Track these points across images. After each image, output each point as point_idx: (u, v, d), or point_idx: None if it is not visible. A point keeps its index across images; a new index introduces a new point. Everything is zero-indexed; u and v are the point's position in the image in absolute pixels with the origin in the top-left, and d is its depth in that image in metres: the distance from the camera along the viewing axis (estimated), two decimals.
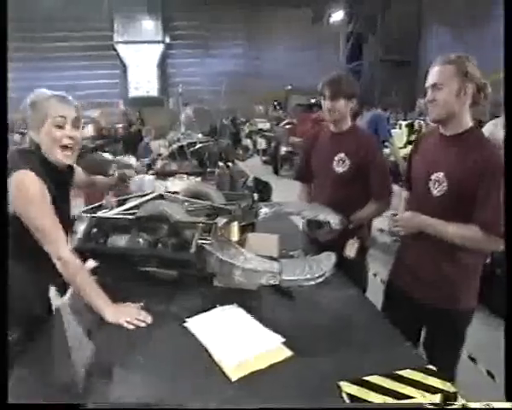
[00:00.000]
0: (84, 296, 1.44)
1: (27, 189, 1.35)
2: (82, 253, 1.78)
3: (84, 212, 1.91)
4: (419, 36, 15.62)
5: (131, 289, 1.64)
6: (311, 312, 1.53)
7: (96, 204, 2.05)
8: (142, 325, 1.39)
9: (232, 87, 15.54)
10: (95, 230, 1.79)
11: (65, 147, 1.46)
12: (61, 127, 1.44)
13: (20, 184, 1.35)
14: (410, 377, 1.13)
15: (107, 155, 1.61)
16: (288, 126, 9.74)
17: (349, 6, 15.93)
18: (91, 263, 1.93)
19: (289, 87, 15.40)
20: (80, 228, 1.81)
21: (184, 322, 1.40)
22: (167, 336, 1.36)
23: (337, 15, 16.21)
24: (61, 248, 1.39)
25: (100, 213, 1.83)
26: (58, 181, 1.50)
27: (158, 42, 16.13)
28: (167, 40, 16.18)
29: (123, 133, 11.55)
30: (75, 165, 1.74)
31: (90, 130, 10.36)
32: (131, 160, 1.61)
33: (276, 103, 14.93)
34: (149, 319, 1.41)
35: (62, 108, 1.45)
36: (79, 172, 1.85)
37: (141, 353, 1.27)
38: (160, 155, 5.08)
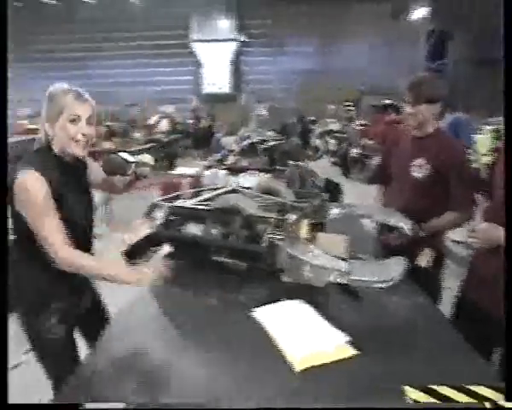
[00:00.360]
0: (105, 278, 1.44)
1: (28, 190, 1.36)
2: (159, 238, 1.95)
3: (162, 201, 2.06)
4: (508, 34, 14.29)
5: (204, 276, 1.74)
6: (378, 315, 1.51)
7: (174, 194, 2.20)
8: (165, 273, 1.49)
9: (304, 86, 15.47)
10: (172, 218, 1.92)
11: (78, 141, 1.47)
12: (75, 123, 1.45)
13: (23, 184, 1.36)
14: (483, 393, 1.09)
15: (127, 156, 1.62)
16: (360, 128, 9.49)
17: (433, 1, 15.04)
18: (167, 248, 2.07)
19: (362, 87, 14.97)
20: (159, 215, 1.96)
21: (252, 311, 1.46)
22: (235, 323, 1.43)
23: (420, 11, 15.39)
24: (57, 249, 1.38)
25: (178, 203, 1.95)
26: (69, 177, 1.51)
27: (232, 40, 16.48)
28: (241, 38, 16.49)
29: (192, 129, 11.99)
30: (95, 163, 1.78)
31: (164, 124, 10.94)
32: (146, 158, 1.59)
33: (348, 103, 14.59)
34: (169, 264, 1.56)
35: (78, 105, 1.46)
36: (96, 171, 1.81)
37: (210, 336, 1.36)
38: (231, 150, 5.24)
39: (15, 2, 15.78)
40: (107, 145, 7.86)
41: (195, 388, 1.14)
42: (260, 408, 1.07)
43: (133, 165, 1.71)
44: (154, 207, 2.03)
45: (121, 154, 1.66)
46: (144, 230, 2.08)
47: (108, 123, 9.38)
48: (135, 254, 1.99)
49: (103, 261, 1.48)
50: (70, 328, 1.62)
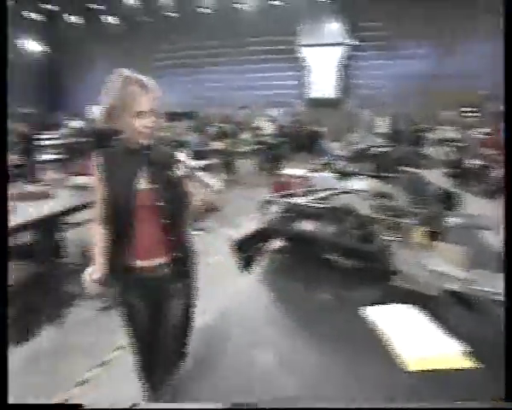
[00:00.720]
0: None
1: (94, 172, 1.57)
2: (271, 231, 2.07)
3: (276, 197, 2.20)
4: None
5: (314, 273, 1.82)
6: (496, 329, 1.43)
7: (288, 192, 2.32)
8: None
9: (416, 90, 14.59)
10: (285, 214, 2.04)
11: (142, 133, 1.49)
12: (139, 117, 1.46)
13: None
14: None
15: (180, 154, 1.50)
16: (479, 136, 8.69)
17: None
18: (278, 243, 2.19)
19: (483, 92, 13.58)
20: (272, 211, 2.10)
21: (363, 310, 1.49)
22: (346, 320, 1.47)
23: None
24: (95, 221, 1.60)
25: (294, 200, 2.06)
26: (131, 159, 1.54)
27: (340, 44, 16.27)
28: (350, 42, 16.19)
29: (297, 133, 12.15)
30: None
31: (270, 127, 11.30)
32: (211, 179, 1.35)
33: (466, 109, 13.39)
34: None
35: (141, 99, 1.44)
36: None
37: (322, 332, 1.42)
38: (337, 155, 5.25)
39: (145, 17, 17.76)
40: (218, 145, 8.43)
41: (305, 385, 1.17)
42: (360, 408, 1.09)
43: (182, 167, 1.49)
44: (267, 203, 2.18)
45: (176, 153, 1.54)
46: (251, 226, 2.24)
47: (220, 124, 10.03)
48: (243, 248, 2.16)
49: (98, 251, 1.59)
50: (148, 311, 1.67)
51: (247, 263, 2.08)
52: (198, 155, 6.76)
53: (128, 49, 17.97)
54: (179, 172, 1.46)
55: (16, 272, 2.91)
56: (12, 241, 3.09)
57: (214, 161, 6.81)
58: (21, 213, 3.12)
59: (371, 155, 4.32)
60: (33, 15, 18.16)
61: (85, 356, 2.72)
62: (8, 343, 1.23)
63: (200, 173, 1.54)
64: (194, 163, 1.62)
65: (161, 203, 1.51)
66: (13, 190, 3.47)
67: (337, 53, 16.32)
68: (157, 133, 1.53)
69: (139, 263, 1.57)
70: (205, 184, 1.53)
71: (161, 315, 1.63)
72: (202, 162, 6.26)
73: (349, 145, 5.55)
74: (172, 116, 11.23)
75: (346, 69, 16.39)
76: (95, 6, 17.94)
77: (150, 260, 1.58)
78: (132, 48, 18.04)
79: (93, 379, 2.52)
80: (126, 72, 1.47)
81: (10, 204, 3.11)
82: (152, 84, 1.48)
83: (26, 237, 3.33)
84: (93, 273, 1.52)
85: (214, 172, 6.62)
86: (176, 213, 1.57)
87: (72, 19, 18.67)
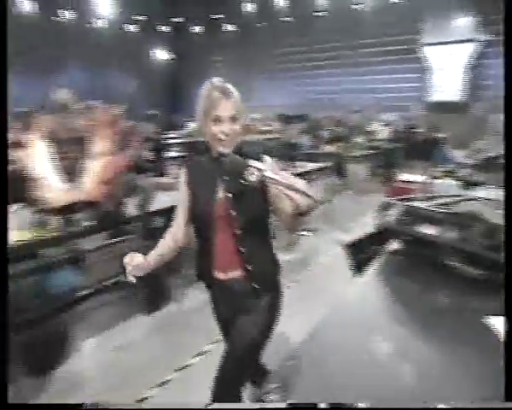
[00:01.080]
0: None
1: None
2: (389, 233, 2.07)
3: (395, 200, 2.19)
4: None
5: (431, 277, 1.79)
6: None
7: (407, 196, 2.29)
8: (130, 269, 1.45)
9: None
10: (406, 217, 2.02)
11: (221, 140, 1.44)
12: (218, 123, 1.44)
13: None
14: None
15: (254, 162, 1.36)
16: None
17: None
18: (394, 245, 2.19)
19: None
20: (391, 213, 2.10)
21: (486, 319, 1.44)
22: (465, 327, 1.44)
23: None
24: (173, 226, 1.59)
25: (414, 203, 2.04)
26: (212, 168, 1.51)
27: (469, 40, 14.72)
28: (481, 38, 14.53)
29: (412, 138, 11.42)
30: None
31: (385, 132, 10.85)
32: (299, 182, 1.27)
33: None
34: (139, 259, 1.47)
35: (220, 105, 1.43)
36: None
37: (440, 336, 1.41)
38: (461, 163, 4.88)
39: (261, 23, 18.50)
40: (330, 149, 8.43)
41: (423, 388, 1.16)
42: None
43: (255, 172, 1.30)
44: (386, 205, 2.18)
45: (251, 161, 1.33)
46: (364, 229, 2.25)
47: (333, 128, 10.00)
48: (357, 250, 2.19)
49: (159, 244, 1.61)
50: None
51: (360, 265, 2.11)
52: (310, 158, 6.87)
53: (243, 55, 18.95)
54: (254, 179, 1.30)
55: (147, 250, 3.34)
56: (149, 223, 3.57)
57: (326, 164, 6.82)
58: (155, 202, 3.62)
59: (503, 164, 3.92)
60: (163, 28, 20.33)
61: (199, 333, 2.97)
62: (8, 343, 1.14)
63: (288, 180, 1.30)
64: (281, 169, 1.38)
65: (234, 213, 1.46)
66: (148, 181, 3.99)
67: (465, 51, 14.87)
68: (237, 141, 1.48)
69: (217, 274, 1.54)
70: (295, 190, 1.28)
71: (235, 330, 1.56)
72: (313, 165, 6.36)
73: (476, 153, 5.09)
74: (286, 119, 11.53)
75: (475, 69, 14.91)
76: (216, 16, 19.32)
77: (226, 273, 1.53)
78: (248, 53, 18.95)
79: (207, 354, 2.79)
80: (214, 79, 1.48)
81: (153, 194, 3.62)
82: (234, 92, 1.46)
83: (159, 222, 3.82)
84: (134, 258, 1.47)
85: (326, 175, 6.67)
86: (250, 224, 1.48)
87: (196, 29, 20.43)
